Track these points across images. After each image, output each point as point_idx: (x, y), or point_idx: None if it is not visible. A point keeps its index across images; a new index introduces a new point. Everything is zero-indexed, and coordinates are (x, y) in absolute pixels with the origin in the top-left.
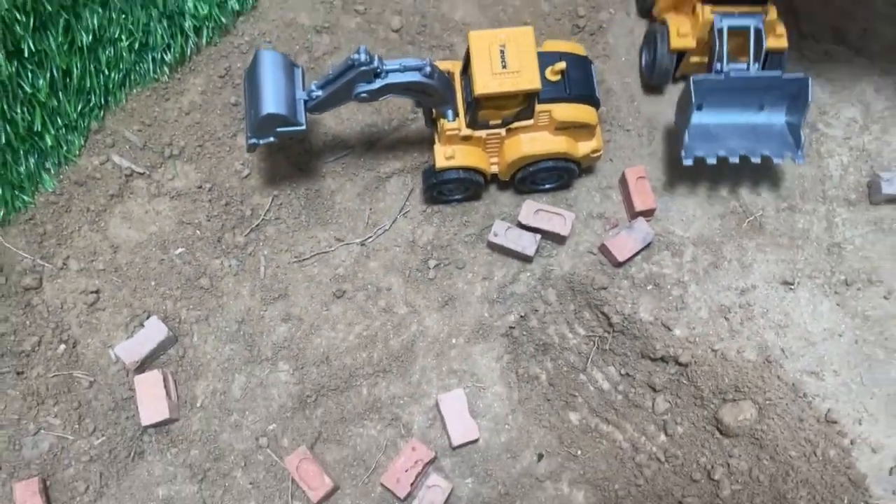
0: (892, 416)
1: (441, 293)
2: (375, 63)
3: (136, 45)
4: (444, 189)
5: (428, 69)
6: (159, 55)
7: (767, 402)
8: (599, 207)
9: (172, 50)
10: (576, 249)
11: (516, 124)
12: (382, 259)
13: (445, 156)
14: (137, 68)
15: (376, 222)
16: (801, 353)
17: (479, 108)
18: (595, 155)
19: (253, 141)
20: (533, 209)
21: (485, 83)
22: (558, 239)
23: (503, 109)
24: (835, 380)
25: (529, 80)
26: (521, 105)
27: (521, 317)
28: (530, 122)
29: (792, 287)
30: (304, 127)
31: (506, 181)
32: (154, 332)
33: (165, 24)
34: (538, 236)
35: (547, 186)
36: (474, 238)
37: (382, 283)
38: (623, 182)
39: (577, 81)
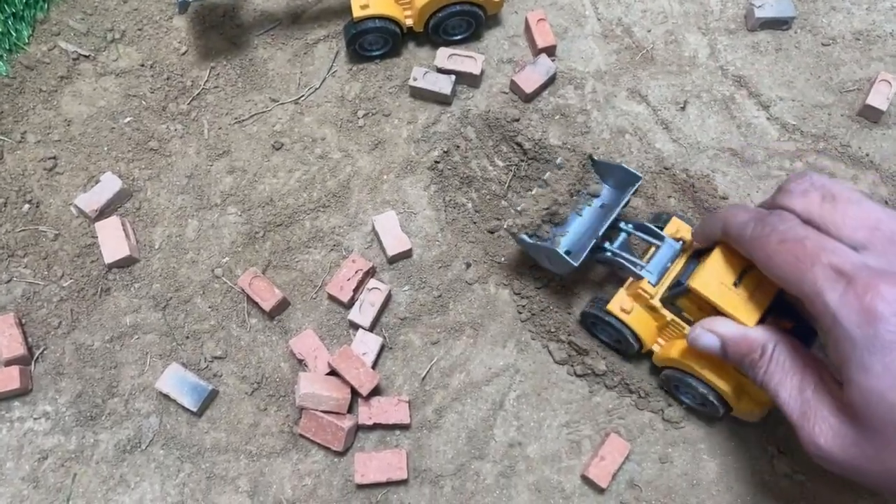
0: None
1: (371, 138)
2: None
3: None
4: (365, 43)
5: None
6: None
7: (668, 197)
8: (508, 53)
9: None
10: (489, 91)
11: None
12: (315, 114)
13: (360, 5)
14: None
15: (307, 83)
16: (693, 160)
17: None
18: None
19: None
20: (447, 54)
21: None
22: (472, 80)
23: None
24: (724, 179)
25: None
26: None
27: (445, 152)
28: None
29: (682, 107)
30: None
31: (422, 35)
32: (110, 184)
33: None
34: (453, 77)
35: (459, 37)
36: (397, 89)
37: (317, 135)
38: (527, 27)
39: None
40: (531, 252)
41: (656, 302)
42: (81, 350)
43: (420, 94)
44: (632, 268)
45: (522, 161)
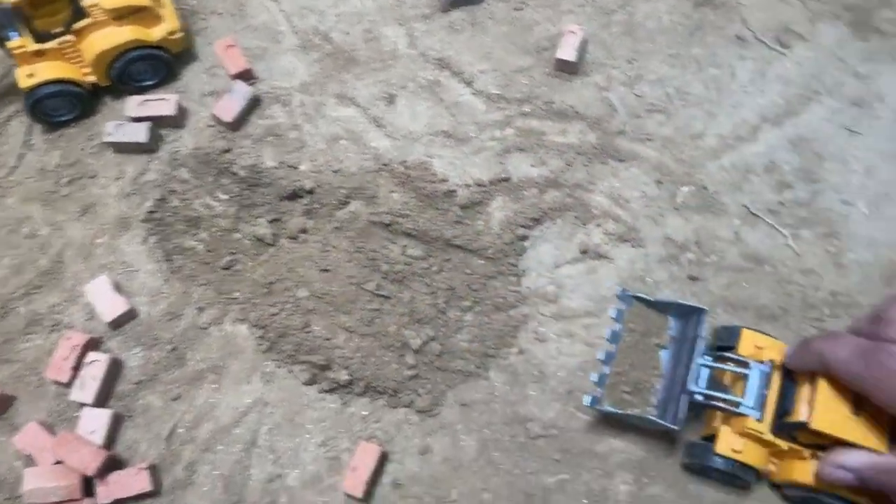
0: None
1: (78, 204)
2: None
3: None
4: (49, 109)
5: None
6: None
7: (390, 193)
8: (210, 86)
9: None
10: (196, 127)
11: (79, 25)
12: (18, 193)
13: (26, 74)
14: None
15: (3, 164)
16: (409, 150)
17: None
18: (175, 36)
19: None
20: (137, 102)
21: None
22: (174, 121)
23: (55, 15)
24: (441, 161)
25: None
26: (67, 6)
27: (160, 200)
28: (89, 20)
29: (390, 101)
30: None
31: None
32: None
33: None
34: (149, 124)
35: (151, 81)
36: (100, 148)
37: (22, 214)
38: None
39: None
40: (622, 419)
41: (769, 437)
42: None
43: (121, 148)
44: (732, 409)
45: (245, 190)
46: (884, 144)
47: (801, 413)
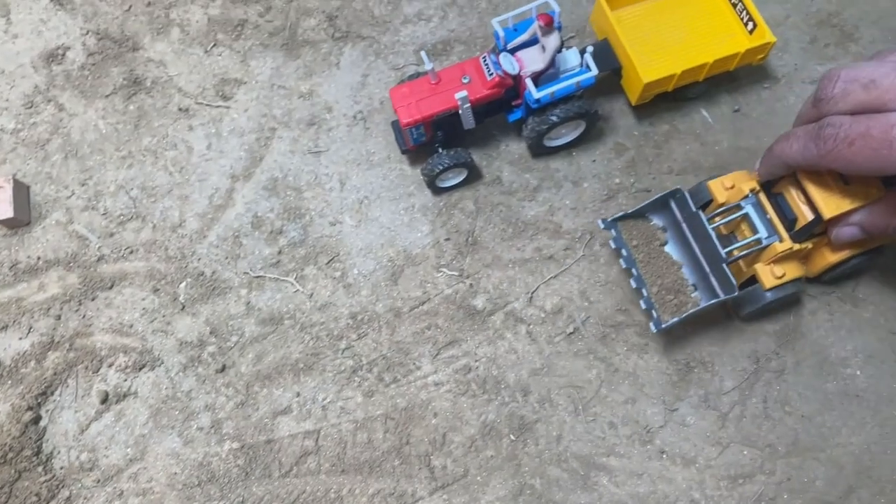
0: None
1: None
2: None
3: None
4: None
5: None
6: None
7: None
8: None
9: None
10: None
11: None
12: None
13: None
14: None
15: None
16: None
17: None
18: None
19: None
20: None
21: None
22: None
23: None
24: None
25: None
26: None
27: None
28: None
29: None
30: None
31: None
32: None
33: None
34: None
35: None
36: None
37: None
38: None
39: None
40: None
41: (797, 247)
42: None
43: None
44: (757, 248)
45: None
46: (346, 152)
47: (808, 214)
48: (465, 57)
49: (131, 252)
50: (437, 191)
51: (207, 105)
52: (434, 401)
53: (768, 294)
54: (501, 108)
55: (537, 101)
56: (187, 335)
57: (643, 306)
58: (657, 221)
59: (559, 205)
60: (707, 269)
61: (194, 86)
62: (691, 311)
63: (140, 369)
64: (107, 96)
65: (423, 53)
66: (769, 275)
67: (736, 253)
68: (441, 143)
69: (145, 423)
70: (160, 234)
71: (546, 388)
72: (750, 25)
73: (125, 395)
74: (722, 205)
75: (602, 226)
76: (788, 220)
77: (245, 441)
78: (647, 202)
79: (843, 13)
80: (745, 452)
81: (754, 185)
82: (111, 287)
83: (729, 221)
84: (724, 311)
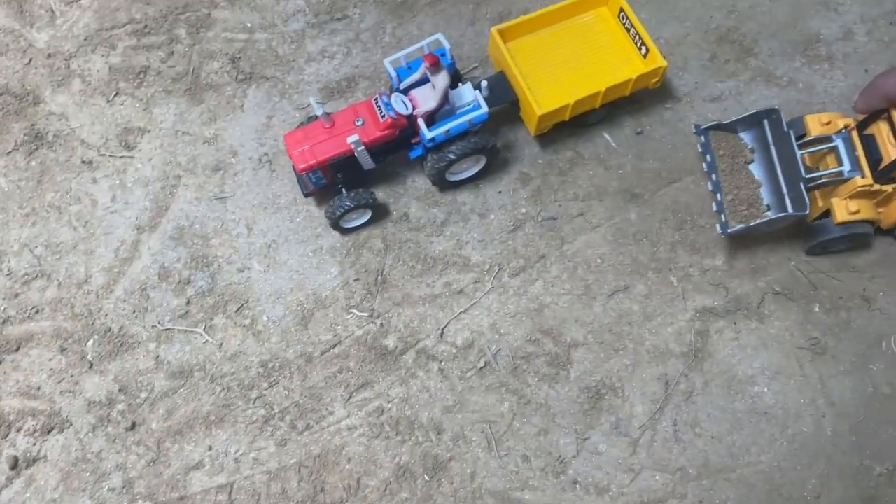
0: None
1: None
2: None
3: None
4: None
5: None
6: None
7: None
8: None
9: None
10: None
11: None
12: None
13: None
14: None
15: None
16: None
17: None
18: None
19: None
20: None
21: None
22: None
23: None
24: None
25: None
26: None
27: None
28: None
29: None
30: None
31: None
32: None
33: None
34: None
35: None
36: None
37: None
38: None
39: None
40: (755, 231)
41: (877, 186)
42: None
43: None
44: (839, 178)
45: None
46: (252, 196)
47: (893, 153)
48: (371, 93)
49: (37, 312)
50: (344, 231)
51: (111, 156)
52: (348, 445)
53: (838, 228)
54: (401, 147)
55: (431, 139)
56: (96, 394)
57: (714, 208)
58: (747, 140)
59: (467, 238)
60: (784, 188)
61: (97, 137)
62: (757, 222)
63: (49, 432)
64: (8, 153)
65: (311, 100)
66: (843, 209)
67: (817, 178)
68: (343, 184)
69: (55, 488)
70: (66, 291)
71: (459, 424)
72: (643, 50)
73: (35, 460)
74: (816, 136)
75: (694, 131)
76: (874, 159)
77: (157, 500)
78: (740, 116)
79: (742, 28)
80: (657, 478)
81: (850, 122)
82: (17, 349)
83: (817, 151)
84: (634, 338)
